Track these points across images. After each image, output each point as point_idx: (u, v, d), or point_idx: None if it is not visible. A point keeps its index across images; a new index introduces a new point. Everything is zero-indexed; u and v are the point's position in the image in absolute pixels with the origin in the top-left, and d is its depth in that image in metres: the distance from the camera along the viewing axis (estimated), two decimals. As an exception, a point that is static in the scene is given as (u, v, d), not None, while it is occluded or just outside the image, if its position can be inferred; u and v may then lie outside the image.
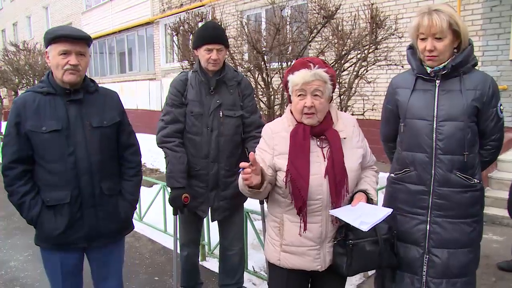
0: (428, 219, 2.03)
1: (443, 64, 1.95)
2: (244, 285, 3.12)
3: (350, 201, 1.92)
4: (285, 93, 2.28)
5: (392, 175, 2.18)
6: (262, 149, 1.96)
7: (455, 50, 1.96)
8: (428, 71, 1.99)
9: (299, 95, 1.86)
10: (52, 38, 1.97)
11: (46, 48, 2.03)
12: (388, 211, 1.88)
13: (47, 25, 20.51)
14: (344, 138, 1.92)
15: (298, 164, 1.84)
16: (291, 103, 1.96)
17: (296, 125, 1.91)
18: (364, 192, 1.95)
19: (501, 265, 3.58)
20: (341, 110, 4.54)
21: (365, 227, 1.76)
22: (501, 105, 2.04)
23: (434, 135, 1.97)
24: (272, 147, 1.92)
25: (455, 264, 2.02)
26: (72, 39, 1.97)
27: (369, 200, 1.93)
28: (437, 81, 1.99)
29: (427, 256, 2.04)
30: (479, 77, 2.00)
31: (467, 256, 2.05)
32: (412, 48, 2.08)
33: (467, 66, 1.98)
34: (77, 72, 2.01)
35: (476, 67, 2.06)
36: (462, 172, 1.98)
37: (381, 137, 2.36)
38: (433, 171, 1.99)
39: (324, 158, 1.88)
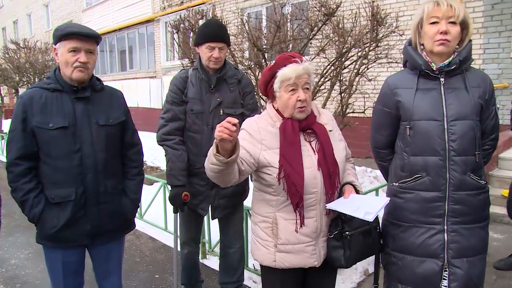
0: (445, 227, 1.88)
1: (448, 60, 1.85)
2: (244, 283, 3.12)
3: (338, 194, 1.94)
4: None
5: (396, 184, 2.01)
6: (245, 139, 1.86)
7: (457, 46, 1.88)
8: (434, 68, 1.87)
9: (291, 90, 1.84)
10: (62, 35, 1.97)
11: (55, 45, 2.02)
12: (386, 199, 1.89)
13: (48, 23, 20.50)
14: (330, 131, 1.95)
15: (291, 159, 1.82)
16: (273, 100, 1.94)
17: (284, 120, 1.89)
18: (350, 184, 1.97)
19: (497, 265, 3.55)
20: (342, 108, 4.53)
21: (370, 217, 1.77)
22: (497, 103, 2.00)
23: (446, 136, 1.84)
24: (259, 141, 1.87)
25: (475, 273, 1.91)
26: (82, 36, 1.98)
27: (357, 192, 1.95)
28: (442, 79, 1.89)
29: (448, 269, 1.90)
30: (479, 74, 1.94)
31: (483, 263, 1.95)
32: (411, 45, 1.97)
33: (468, 63, 1.91)
34: (86, 70, 2.01)
35: (472, 65, 2.00)
36: (474, 174, 1.88)
37: (372, 143, 2.18)
38: (447, 175, 1.86)
39: (314, 151, 1.89)
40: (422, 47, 1.92)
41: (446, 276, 1.91)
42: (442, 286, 1.92)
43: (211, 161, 1.67)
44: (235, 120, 1.54)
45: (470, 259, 1.90)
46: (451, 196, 1.87)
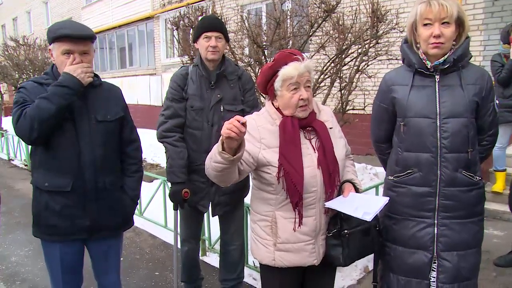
0: (435, 221, 1.93)
1: (443, 58, 1.86)
2: (244, 280, 3.12)
3: (338, 192, 1.93)
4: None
5: (391, 177, 2.06)
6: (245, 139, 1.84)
7: (454, 43, 1.88)
8: (428, 66, 1.89)
9: (293, 89, 1.82)
10: (54, 37, 1.95)
11: (50, 45, 2.01)
12: (385, 199, 1.90)
13: (47, 20, 20.46)
14: (330, 128, 1.93)
15: (291, 157, 1.80)
16: (272, 98, 1.91)
17: (284, 118, 1.87)
18: (350, 181, 1.96)
19: (496, 262, 3.55)
20: (342, 105, 4.52)
21: (368, 217, 1.76)
22: (496, 99, 2.00)
23: (439, 134, 1.87)
24: (258, 139, 1.85)
25: (465, 267, 1.95)
26: (74, 39, 1.94)
27: (356, 190, 1.94)
28: (437, 77, 1.90)
29: (437, 261, 1.95)
30: (477, 71, 1.94)
31: (475, 257, 1.99)
32: (407, 42, 1.98)
33: (465, 60, 1.90)
34: None
35: (472, 61, 1.98)
36: (467, 171, 1.91)
37: (372, 137, 2.23)
38: (439, 172, 1.89)
39: (314, 149, 1.87)
40: (418, 45, 1.93)
41: (435, 268, 1.96)
42: (431, 277, 1.97)
43: (215, 159, 1.65)
44: (244, 119, 1.53)
45: (461, 252, 1.94)
46: (442, 191, 1.91)
